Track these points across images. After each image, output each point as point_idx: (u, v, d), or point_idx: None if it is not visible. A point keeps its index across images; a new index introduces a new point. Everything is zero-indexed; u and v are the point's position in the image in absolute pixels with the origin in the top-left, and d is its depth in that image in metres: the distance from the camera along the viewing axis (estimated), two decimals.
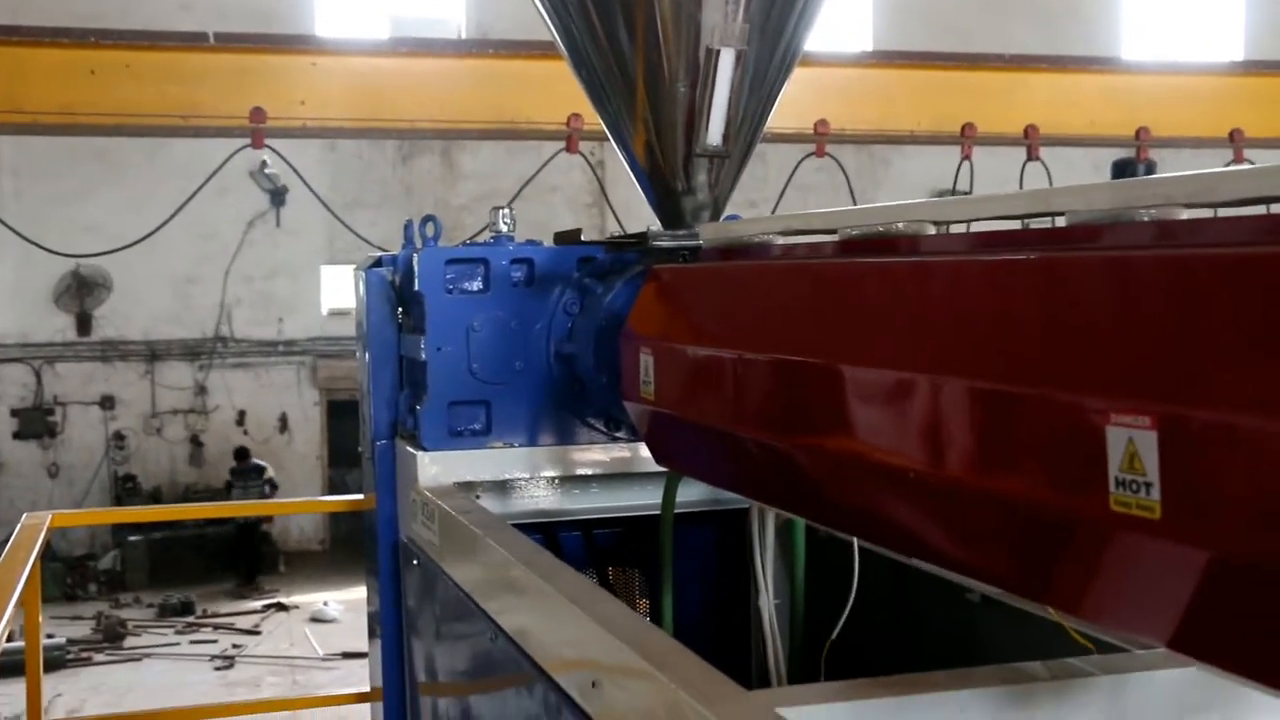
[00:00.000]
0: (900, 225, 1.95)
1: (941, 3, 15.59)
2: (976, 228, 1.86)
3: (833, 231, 2.04)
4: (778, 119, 6.38)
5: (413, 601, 3.08)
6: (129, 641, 11.97)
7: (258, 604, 13.25)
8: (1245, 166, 1.41)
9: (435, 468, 2.97)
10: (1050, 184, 5.81)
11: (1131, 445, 1.22)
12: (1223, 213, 1.43)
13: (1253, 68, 8.50)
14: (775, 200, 7.43)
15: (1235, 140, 6.69)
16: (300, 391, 15.15)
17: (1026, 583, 1.55)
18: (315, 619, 12.73)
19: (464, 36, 14.41)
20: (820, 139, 6.19)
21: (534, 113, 5.95)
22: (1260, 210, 1.34)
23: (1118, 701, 1.61)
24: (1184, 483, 1.16)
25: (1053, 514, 1.39)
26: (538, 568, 2.14)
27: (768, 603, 2.52)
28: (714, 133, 2.60)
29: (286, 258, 14.84)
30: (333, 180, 13.52)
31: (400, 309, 3.28)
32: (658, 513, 2.93)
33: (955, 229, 1.90)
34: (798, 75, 6.58)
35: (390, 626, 3.25)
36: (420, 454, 3.00)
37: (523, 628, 2.17)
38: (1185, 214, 1.46)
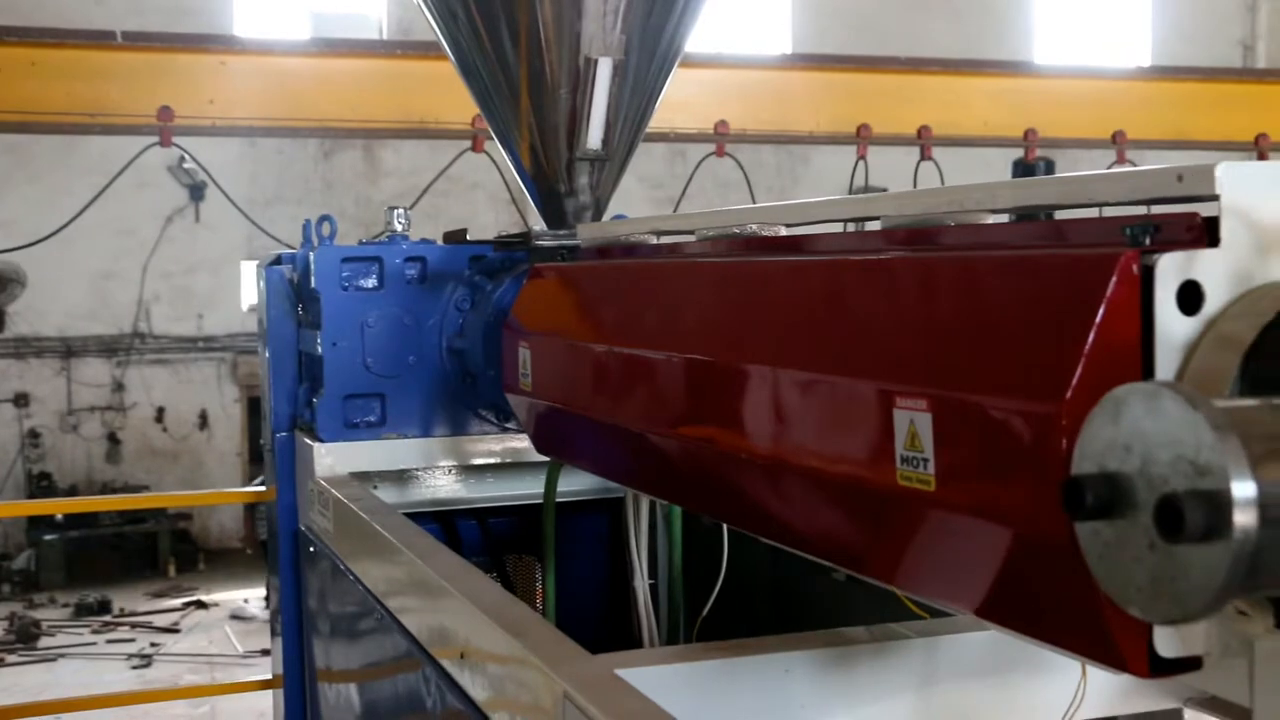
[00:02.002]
0: (753, 227, 2.10)
1: (860, 5, 15.87)
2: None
3: (692, 232, 2.19)
4: (681, 119, 6.53)
5: (309, 587, 3.18)
6: (43, 642, 11.82)
7: (177, 602, 13.14)
8: (1047, 177, 1.58)
9: (330, 458, 3.08)
10: (942, 182, 6.03)
11: (912, 426, 1.37)
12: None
13: (1138, 74, 8.86)
14: (678, 199, 7.61)
15: (1118, 141, 7.01)
16: (220, 388, 15.03)
17: (854, 558, 1.70)
18: (235, 616, 12.66)
19: (385, 34, 14.39)
20: (721, 139, 6.38)
21: (442, 113, 6.04)
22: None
23: (930, 661, 1.77)
24: (951, 457, 1.32)
25: (860, 491, 1.54)
26: (418, 550, 2.26)
27: (642, 583, 2.66)
28: (594, 137, 2.73)
29: (206, 253, 14.70)
30: (253, 176, 13.43)
31: (300, 305, 3.38)
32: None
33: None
34: (701, 77, 6.72)
35: (289, 614, 3.34)
36: (317, 445, 3.10)
37: (404, 606, 2.29)
38: (991, 219, 1.62)
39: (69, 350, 14.70)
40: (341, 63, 6.34)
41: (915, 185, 6.80)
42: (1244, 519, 0.89)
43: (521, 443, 3.27)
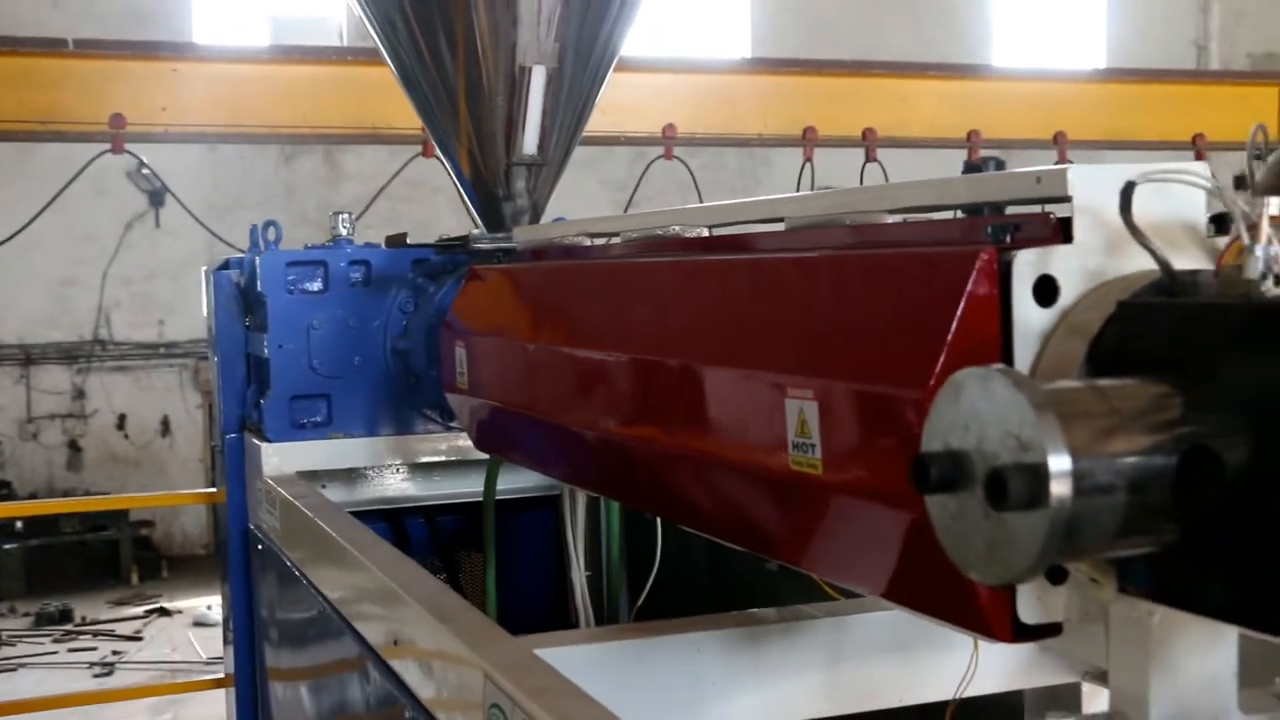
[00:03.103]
0: (676, 229, 2.19)
1: (820, 8, 16.00)
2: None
3: (616, 234, 2.28)
4: (632, 124, 6.62)
5: (259, 584, 3.24)
6: (3, 652, 11.75)
7: (139, 609, 13.09)
8: (925, 180, 1.68)
9: (278, 458, 3.15)
10: (886, 181, 6.13)
11: (801, 414, 1.47)
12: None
13: (1081, 76, 9.05)
14: (633, 201, 7.72)
15: (1059, 142, 7.19)
16: (183, 394, 14.98)
17: (766, 544, 1.79)
18: (199, 623, 12.61)
19: (345, 38, 14.40)
20: (669, 142, 6.50)
21: (395, 118, 6.10)
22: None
23: (837, 640, 1.86)
24: (835, 442, 1.41)
25: (763, 478, 1.63)
26: (356, 544, 2.33)
27: (579, 574, 2.75)
28: (529, 143, 2.82)
29: (166, 259, 14.64)
30: (214, 182, 13.42)
31: (247, 309, 3.45)
32: (500, 498, 3.17)
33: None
34: (651, 82, 6.80)
35: (240, 611, 3.41)
36: (264, 445, 3.17)
37: (343, 597, 2.37)
38: (890, 219, 1.71)
39: (28, 358, 14.62)
40: (293, 69, 6.39)
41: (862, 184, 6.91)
42: (1060, 489, 0.98)
43: (466, 441, 3.35)
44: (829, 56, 9.83)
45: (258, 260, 3.19)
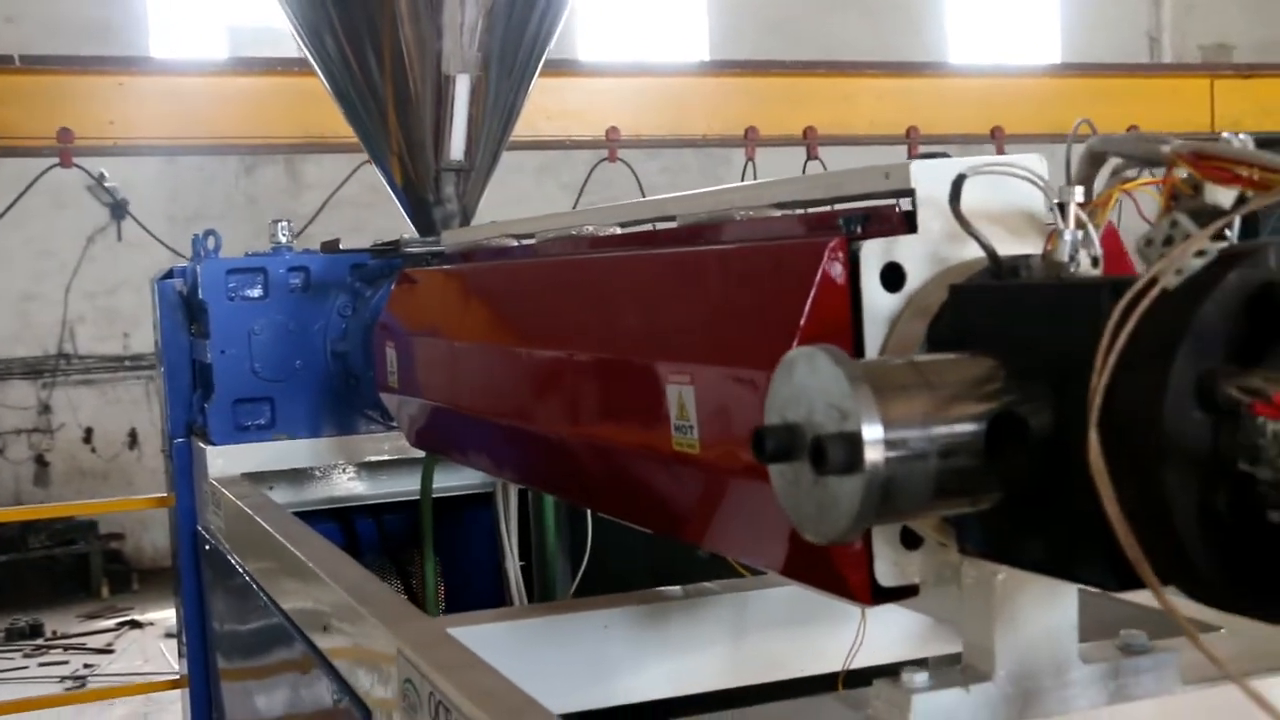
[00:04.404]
0: (590, 228, 2.29)
1: (776, 9, 16.13)
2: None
3: (532, 235, 2.38)
4: (576, 127, 6.71)
5: (207, 584, 3.32)
6: None
7: (110, 623, 13.08)
8: (794, 177, 1.78)
9: (222, 460, 3.23)
10: None
11: (681, 398, 1.57)
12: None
13: (1019, 71, 9.23)
14: (593, 204, 7.84)
15: (996, 137, 7.35)
16: (150, 406, 14.94)
17: (672, 525, 1.89)
18: (170, 635, 12.60)
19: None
20: (613, 145, 6.61)
21: (338, 127, 6.16)
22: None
23: (739, 615, 1.96)
24: (708, 422, 1.52)
25: (655, 460, 1.73)
26: (290, 537, 2.42)
27: (513, 565, 2.84)
28: (457, 149, 2.91)
29: (130, 271, 14.61)
30: (173, 193, 13.43)
31: (191, 316, 3.53)
32: (448, 495, 3.27)
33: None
34: (595, 86, 6.89)
35: (192, 612, 3.48)
36: (209, 448, 3.25)
37: (279, 587, 2.46)
38: (778, 213, 1.81)
39: None
40: (246, 80, 6.46)
41: None
42: (874, 455, 1.09)
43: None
44: (786, 58, 9.96)
45: (199, 268, 3.27)
